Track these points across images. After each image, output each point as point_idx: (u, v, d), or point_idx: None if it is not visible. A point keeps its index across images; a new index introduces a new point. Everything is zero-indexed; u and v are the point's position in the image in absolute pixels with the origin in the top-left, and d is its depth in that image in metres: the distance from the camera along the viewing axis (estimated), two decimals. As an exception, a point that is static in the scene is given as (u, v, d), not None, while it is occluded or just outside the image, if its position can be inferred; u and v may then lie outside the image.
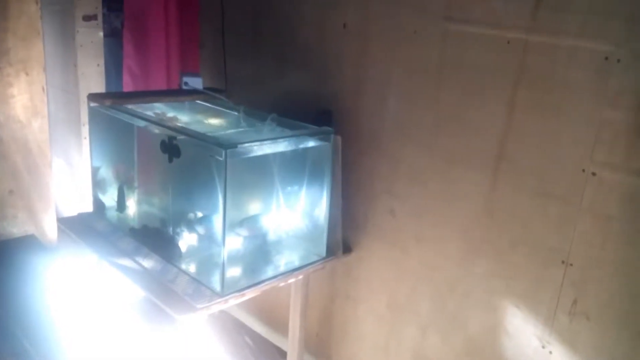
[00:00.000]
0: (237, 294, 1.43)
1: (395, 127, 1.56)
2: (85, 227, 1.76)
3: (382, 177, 1.61)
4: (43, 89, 3.10)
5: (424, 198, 1.52)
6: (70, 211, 2.90)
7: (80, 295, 2.64)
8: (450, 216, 1.46)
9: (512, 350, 1.39)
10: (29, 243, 3.19)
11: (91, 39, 2.78)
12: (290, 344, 1.83)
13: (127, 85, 2.39)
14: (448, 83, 1.42)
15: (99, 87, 2.75)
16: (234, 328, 2.10)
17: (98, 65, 2.78)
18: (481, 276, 1.43)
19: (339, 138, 1.56)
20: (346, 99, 1.67)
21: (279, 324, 2.06)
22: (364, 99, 1.62)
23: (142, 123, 1.61)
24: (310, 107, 1.75)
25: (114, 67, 2.87)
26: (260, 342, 2.02)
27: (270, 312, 2.10)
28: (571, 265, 1.25)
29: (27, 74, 3.04)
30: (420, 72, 1.48)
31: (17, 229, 3.19)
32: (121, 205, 1.74)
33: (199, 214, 1.56)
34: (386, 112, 1.57)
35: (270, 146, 1.49)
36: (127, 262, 1.55)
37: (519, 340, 1.37)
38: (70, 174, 2.96)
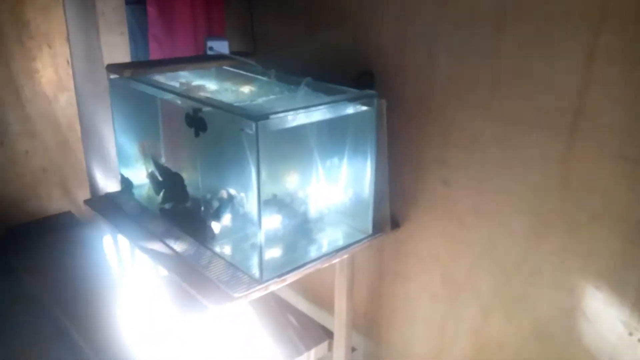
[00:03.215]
0: (277, 279, 1.30)
1: (446, 88, 1.37)
2: (114, 208, 1.65)
3: (432, 144, 1.43)
4: (67, 61, 2.99)
5: (482, 166, 1.34)
6: (106, 187, 2.83)
7: (120, 272, 2.59)
8: (515, 185, 1.28)
9: (591, 337, 1.22)
10: (66, 220, 3.15)
11: (112, 6, 2.63)
12: (337, 326, 1.70)
13: (155, 54, 2.26)
14: (509, 32, 1.21)
15: (124, 56, 2.61)
16: (276, 306, 1.99)
17: (122, 33, 2.63)
18: (553, 252, 1.25)
19: (383, 102, 1.38)
20: (388, 57, 1.48)
21: (325, 302, 1.94)
22: (409, 57, 1.43)
23: (164, 94, 1.46)
24: (349, 69, 1.57)
25: (140, 35, 2.73)
26: (305, 322, 1.90)
27: (314, 289, 1.98)
28: (667, 241, 1.06)
29: (49, 47, 2.93)
30: (474, 21, 1.27)
31: (52, 207, 3.15)
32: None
33: (232, 192, 1.42)
34: (435, 70, 1.38)
35: (307, 115, 1.32)
36: (157, 245, 1.44)
37: (600, 326, 1.20)
38: (100, 150, 2.87)
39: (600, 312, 1.19)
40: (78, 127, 3.05)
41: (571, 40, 1.12)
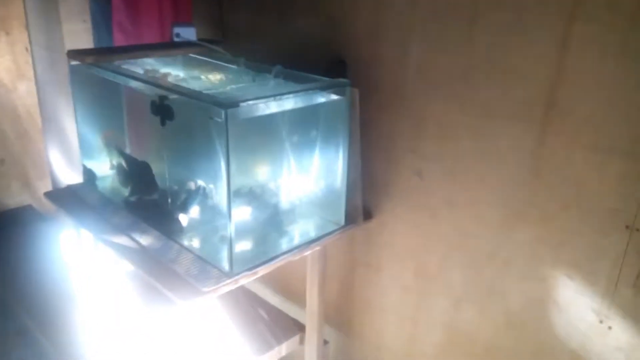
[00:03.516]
0: (248, 272, 1.26)
1: (420, 77, 1.35)
2: (76, 201, 1.58)
3: (406, 135, 1.42)
4: (27, 49, 2.87)
5: (455, 157, 1.33)
6: (69, 179, 2.73)
7: (82, 268, 2.51)
8: (488, 177, 1.28)
9: (563, 325, 1.23)
10: (26, 214, 3.04)
11: (74, -7, 2.53)
12: (309, 319, 1.68)
13: (119, 42, 2.18)
14: (484, 22, 1.20)
15: (87, 45, 2.52)
16: (246, 300, 1.96)
17: (84, 21, 2.54)
18: (525, 243, 1.25)
19: (356, 91, 1.36)
20: (362, 46, 1.46)
21: (295, 294, 1.91)
22: (383, 46, 1.41)
23: (128, 81, 1.40)
24: (321, 57, 1.54)
25: (103, 23, 2.64)
26: (276, 315, 1.87)
27: (285, 281, 1.95)
28: (638, 230, 1.06)
29: (7, 33, 2.80)
30: (449, 10, 1.25)
31: (12, 200, 3.03)
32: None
33: (200, 183, 1.38)
34: (409, 59, 1.36)
35: (278, 103, 1.28)
36: (122, 239, 1.38)
37: (571, 314, 1.21)
38: (62, 140, 2.77)
39: (572, 300, 1.20)
40: (38, 117, 2.94)
41: (544, 30, 1.11)
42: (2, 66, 2.77)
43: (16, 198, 3.00)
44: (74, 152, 2.64)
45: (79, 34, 2.51)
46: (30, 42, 2.79)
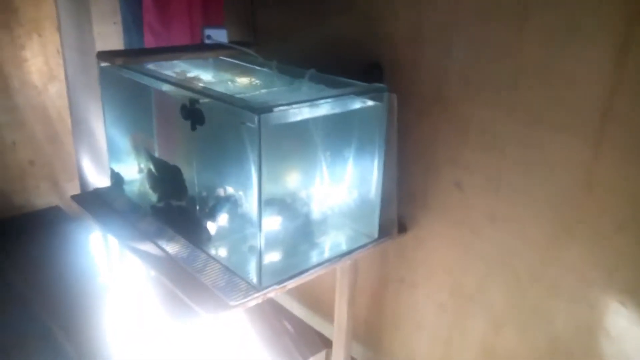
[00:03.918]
0: (276, 286, 1.20)
1: (463, 83, 1.27)
2: (102, 205, 1.54)
3: (446, 144, 1.34)
4: (58, 51, 2.87)
5: (499, 168, 1.24)
6: (97, 182, 2.73)
7: (108, 272, 2.49)
8: (535, 191, 1.19)
9: (613, 356, 1.13)
10: (54, 215, 3.04)
11: (105, -5, 2.52)
12: (336, 335, 1.61)
13: (149, 44, 2.16)
14: (534, 24, 1.12)
15: (117, 47, 2.51)
16: (271, 311, 1.90)
17: (115, 23, 2.53)
18: (574, 264, 1.16)
19: (394, 96, 1.29)
20: (400, 48, 1.39)
21: (323, 308, 1.84)
22: (423, 49, 1.33)
23: (158, 84, 1.36)
24: (356, 60, 1.48)
25: (134, 25, 2.63)
26: (302, 328, 1.81)
27: (312, 294, 1.88)
28: None
29: (39, 35, 2.81)
30: (496, 10, 1.18)
31: (40, 201, 3.03)
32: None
33: (230, 190, 1.32)
34: (452, 63, 1.28)
35: (312, 109, 1.22)
36: (148, 246, 1.34)
37: (623, 345, 1.11)
38: (91, 143, 2.77)
39: (624, 330, 1.11)
40: (68, 119, 2.94)
41: (602, 31, 1.03)
42: (34, 68, 2.78)
43: (44, 199, 3.01)
44: (103, 154, 2.62)
45: (110, 36, 2.51)
46: (61, 43, 2.80)
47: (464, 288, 1.39)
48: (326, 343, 1.72)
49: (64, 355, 2.07)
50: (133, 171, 1.60)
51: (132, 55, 1.53)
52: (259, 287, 1.17)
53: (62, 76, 2.86)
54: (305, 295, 1.91)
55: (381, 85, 1.29)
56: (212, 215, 1.31)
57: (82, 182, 3.01)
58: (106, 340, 2.10)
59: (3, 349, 2.11)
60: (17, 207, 2.92)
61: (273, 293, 1.20)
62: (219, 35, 1.69)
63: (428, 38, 1.32)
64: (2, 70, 2.68)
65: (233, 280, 1.20)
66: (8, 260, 2.69)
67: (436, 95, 1.33)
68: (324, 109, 1.25)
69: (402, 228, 1.47)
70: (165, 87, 1.34)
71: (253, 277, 1.20)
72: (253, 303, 1.16)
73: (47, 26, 2.79)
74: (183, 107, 1.24)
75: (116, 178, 1.62)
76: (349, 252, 1.34)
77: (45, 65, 2.81)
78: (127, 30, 2.58)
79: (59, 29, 2.80)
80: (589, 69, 1.06)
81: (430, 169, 1.39)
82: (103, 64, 1.54)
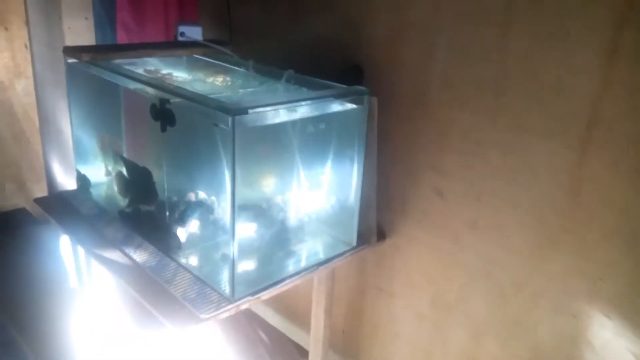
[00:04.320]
0: (250, 297, 1.14)
1: (444, 86, 1.23)
2: (67, 209, 1.46)
3: (427, 149, 1.30)
4: (26, 45, 2.76)
5: (482, 175, 1.21)
6: (66, 183, 2.62)
7: (75, 278, 2.39)
8: (519, 198, 1.16)
9: (598, 368, 1.10)
10: (20, 217, 2.92)
11: (76, -12, 2.43)
12: (313, 345, 1.55)
13: (122, 41, 2.08)
14: (520, 26, 1.09)
15: (89, 43, 2.41)
16: (246, 320, 1.83)
17: (86, 18, 2.44)
18: (558, 274, 1.13)
19: (374, 100, 1.24)
20: (381, 50, 1.34)
21: (299, 316, 1.78)
22: (404, 50, 1.29)
23: (127, 82, 1.29)
24: (335, 62, 1.43)
25: (107, 21, 2.54)
26: (277, 338, 1.75)
27: (288, 302, 1.82)
28: (693, 267, 0.94)
29: (6, 29, 2.69)
30: (480, 12, 1.14)
31: (6, 202, 2.91)
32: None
33: (202, 195, 1.26)
34: (433, 66, 1.24)
35: (289, 111, 1.17)
36: (114, 254, 1.27)
37: (607, 357, 1.08)
38: (60, 142, 2.66)
39: (609, 342, 1.08)
40: (36, 117, 2.83)
41: (589, 36, 1.00)
42: (0, 63, 2.66)
43: (10, 201, 2.89)
44: (72, 155, 2.53)
45: (81, 32, 2.41)
46: (29, 38, 2.69)
47: (444, 297, 1.35)
48: (302, 353, 1.67)
49: (26, 365, 1.98)
50: (100, 174, 1.53)
51: (101, 51, 1.45)
52: (231, 299, 1.11)
53: (29, 72, 2.74)
54: (281, 303, 1.85)
55: (362, 87, 1.24)
56: (182, 222, 1.25)
57: (50, 183, 2.90)
58: (71, 350, 2.01)
59: (-39, 359, 2.00)
60: (-19, 208, 2.80)
61: (247, 304, 1.14)
62: (193, 32, 1.62)
63: (409, 40, 1.28)
64: (-35, 66, 2.56)
65: (204, 291, 1.14)
66: (-30, 265, 2.58)
67: (417, 99, 1.29)
68: (302, 111, 1.19)
69: (381, 235, 1.42)
70: (135, 86, 1.27)
71: (225, 288, 1.13)
72: (225, 315, 1.10)
73: (14, 20, 2.68)
74: (153, 107, 1.17)
75: (83, 180, 1.54)
76: (326, 261, 1.28)
77: (11, 61, 2.70)
78: (99, 26, 2.48)
79: (27, 22, 2.69)
80: (575, 75, 1.03)
81: (410, 175, 1.34)
82: (70, 60, 1.46)
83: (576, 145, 1.05)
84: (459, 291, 1.31)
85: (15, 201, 2.91)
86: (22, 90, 2.77)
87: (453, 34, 1.19)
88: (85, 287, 2.17)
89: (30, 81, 2.76)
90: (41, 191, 2.88)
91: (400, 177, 1.37)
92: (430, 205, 1.32)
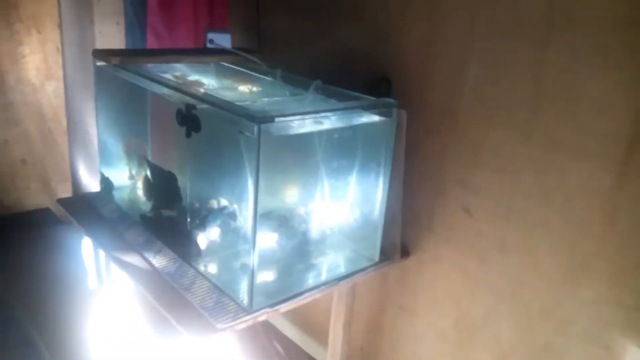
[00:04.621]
0: (268, 309, 1.11)
1: (476, 101, 1.20)
2: (90, 211, 1.46)
3: (456, 165, 1.26)
4: (58, 48, 2.80)
5: (513, 194, 1.17)
6: (90, 185, 2.64)
7: (96, 280, 2.40)
8: (551, 220, 1.11)
9: (630, 403, 1.04)
10: (44, 217, 2.95)
11: (109, -6, 2.45)
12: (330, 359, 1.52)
13: (152, 47, 2.09)
14: (558, 41, 1.05)
15: (119, 47, 2.44)
16: (262, 331, 1.81)
17: (117, 23, 2.46)
18: (590, 302, 1.08)
19: (403, 112, 1.22)
20: (411, 63, 1.31)
21: (317, 330, 1.75)
22: (436, 64, 1.26)
23: (154, 87, 1.29)
24: (364, 73, 1.41)
25: (138, 26, 2.57)
26: (293, 351, 1.72)
27: (306, 315, 1.79)
28: None
29: (39, 32, 2.73)
30: (516, 25, 1.11)
31: (30, 202, 2.94)
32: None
33: (224, 203, 1.24)
34: (465, 80, 1.21)
35: (316, 121, 1.15)
36: (134, 258, 1.25)
37: (642, 391, 1.03)
38: (86, 145, 2.69)
39: (644, 375, 1.02)
40: (64, 119, 2.86)
41: (631, 54, 0.95)
42: (32, 65, 2.71)
43: (35, 200, 2.92)
44: (97, 157, 2.54)
45: (112, 36, 2.44)
46: (62, 41, 2.73)
47: (468, 319, 1.31)
48: (318, 368, 1.64)
49: (42, 365, 1.98)
50: (124, 177, 1.53)
51: (130, 55, 1.45)
52: (249, 309, 1.09)
53: (60, 75, 2.78)
54: (299, 316, 1.82)
55: (391, 100, 1.22)
56: (203, 227, 1.23)
57: (75, 184, 2.92)
58: (87, 352, 2.00)
59: (-21, 356, 2.01)
60: (5, 207, 2.83)
61: (264, 316, 1.11)
62: (222, 39, 1.62)
63: (441, 52, 1.25)
64: (-2, 67, 2.60)
65: (222, 300, 1.12)
66: (-7, 262, 2.60)
67: (447, 113, 1.25)
68: (329, 122, 1.17)
69: (405, 252, 1.39)
70: (162, 90, 1.26)
71: (244, 298, 1.11)
72: (242, 327, 1.08)
73: (47, 23, 2.72)
74: (179, 113, 1.16)
75: (106, 183, 1.54)
76: (347, 276, 1.25)
77: (43, 63, 2.74)
78: (130, 31, 2.51)
79: (59, 26, 2.73)
80: (616, 94, 0.98)
81: (438, 191, 1.31)
82: (99, 63, 1.46)
83: (613, 168, 1.00)
84: (485, 313, 1.27)
85: (39, 201, 2.93)
86: (52, 92, 2.80)
87: (487, 47, 1.16)
88: (105, 290, 2.17)
89: (61, 83, 2.80)
90: (66, 192, 2.91)
91: (427, 192, 1.33)
92: (458, 222, 1.28)
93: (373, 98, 1.23)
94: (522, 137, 1.13)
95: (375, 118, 1.23)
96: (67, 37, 2.72)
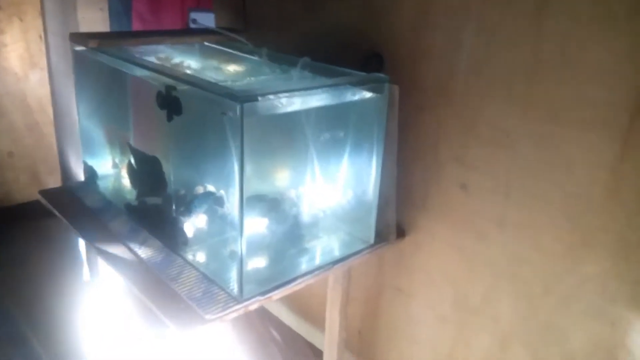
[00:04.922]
0: (260, 297, 1.07)
1: (472, 73, 1.14)
2: (74, 202, 1.41)
3: (451, 140, 1.21)
4: (40, 36, 2.72)
5: (511, 169, 1.12)
6: (80, 175, 2.58)
7: (89, 274, 2.35)
8: (552, 194, 1.06)
9: (637, 380, 1.01)
10: (33, 210, 2.88)
11: (91, -22, 2.38)
12: (327, 345, 1.48)
13: (135, 31, 2.03)
14: (556, 6, 0.99)
15: (102, 33, 2.36)
16: (258, 318, 1.77)
17: (101, 9, 2.39)
18: (593, 277, 1.04)
19: (396, 88, 1.16)
20: (403, 36, 1.26)
21: (313, 315, 1.71)
22: (429, 36, 1.21)
23: (134, 69, 1.23)
24: (355, 51, 1.35)
25: (123, 11, 2.49)
26: (290, 337, 1.69)
27: (302, 300, 1.75)
28: None
29: (20, 19, 2.65)
30: (512, -7, 1.05)
31: (20, 195, 2.89)
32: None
33: (209, 188, 1.19)
34: (461, 52, 1.15)
35: (302, 99, 1.09)
36: (118, 249, 1.21)
37: (649, 368, 0.99)
38: (74, 134, 2.63)
39: (651, 351, 0.98)
40: (50, 109, 2.80)
41: (635, 18, 0.90)
42: (15, 54, 2.63)
43: (24, 192, 2.86)
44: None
45: (95, 22, 2.36)
46: (44, 29, 2.65)
47: (467, 299, 1.27)
48: (316, 353, 1.60)
49: (35, 361, 1.94)
50: (108, 166, 1.47)
51: (109, 38, 1.39)
52: (239, 298, 1.05)
53: (44, 63, 2.71)
54: (295, 302, 1.78)
55: (382, 75, 1.16)
56: (189, 214, 1.18)
57: (64, 175, 2.87)
58: (81, 347, 1.97)
59: (-30, 353, 1.97)
60: (-5, 200, 2.78)
61: (256, 305, 1.07)
62: (206, 19, 1.56)
63: (435, 25, 1.19)
64: (-21, 56, 2.53)
65: (211, 289, 1.07)
66: (-17, 257, 2.55)
67: (441, 87, 1.20)
68: (317, 99, 1.12)
69: (401, 232, 1.34)
70: (140, 72, 1.20)
71: (233, 287, 1.07)
72: (232, 316, 1.03)
73: (29, 10, 2.64)
74: (159, 95, 1.11)
75: (90, 172, 1.49)
76: (342, 259, 1.21)
77: (26, 52, 2.66)
78: (115, 17, 2.44)
79: (42, 13, 2.65)
80: (618, 60, 0.93)
81: (433, 168, 1.26)
82: (77, 48, 1.40)
83: (617, 138, 0.95)
84: (484, 293, 1.23)
85: (29, 193, 2.87)
86: (37, 81, 2.73)
87: (482, 16, 1.10)
88: (98, 282, 2.13)
89: (45, 72, 2.72)
90: (55, 183, 2.85)
91: (422, 170, 1.28)
92: (454, 200, 1.23)
93: (363, 74, 1.18)
94: (520, 109, 1.08)
95: (367, 95, 1.18)
96: (50, 24, 2.65)
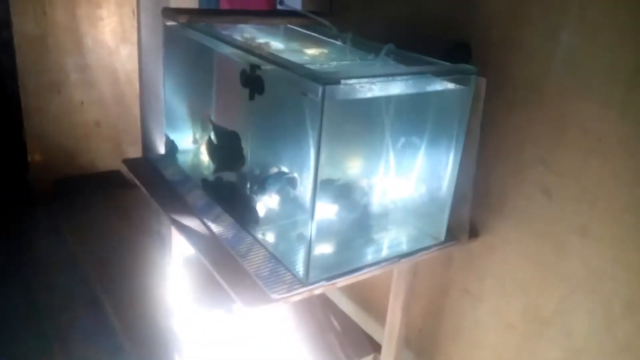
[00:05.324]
0: (325, 282, 1.07)
1: (568, 72, 1.08)
2: (153, 173, 1.46)
3: (537, 141, 1.15)
4: (133, 12, 2.84)
5: (601, 176, 1.05)
6: (160, 148, 2.69)
7: (164, 244, 2.45)
8: (644, 207, 0.99)
9: None
10: (115, 179, 3.04)
11: (185, -43, 2.44)
12: (387, 340, 1.46)
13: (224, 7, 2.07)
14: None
15: (191, 11, 2.42)
16: (318, 303, 1.77)
17: (192, -13, 2.46)
18: (684, 301, 0.96)
19: (483, 81, 1.11)
20: (494, 28, 1.20)
21: (375, 308, 1.70)
22: (523, 30, 1.15)
23: (221, 46, 1.25)
24: (441, 39, 1.30)
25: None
26: (349, 328, 1.68)
27: (364, 291, 1.74)
28: None
29: (116, -6, 2.79)
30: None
31: (102, 163, 3.05)
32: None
33: (284, 170, 1.20)
34: (556, 49, 1.09)
35: (385, 86, 1.07)
36: (192, 222, 1.24)
37: None
38: (158, 108, 2.73)
39: None
40: (137, 82, 2.92)
41: None
42: (108, 28, 2.76)
43: (106, 161, 3.01)
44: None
45: (185, 0, 2.44)
46: (138, 5, 2.76)
47: (538, 309, 1.21)
48: (375, 347, 1.59)
49: (109, 326, 2.04)
50: (188, 141, 1.51)
51: (198, 14, 1.42)
52: (305, 282, 1.05)
53: (134, 39, 2.83)
54: (357, 292, 1.77)
55: (469, 66, 1.12)
56: (262, 192, 1.19)
57: (145, 147, 2.99)
58: (149, 313, 2.05)
59: (48, 311, 2.10)
60: (81, 167, 2.94)
61: (320, 289, 1.07)
62: (293, 1, 1.56)
63: (530, 18, 1.13)
64: (78, 29, 2.67)
65: (277, 270, 1.08)
66: (66, 221, 2.71)
67: (533, 84, 1.14)
68: (399, 87, 1.09)
69: (473, 233, 1.30)
70: (228, 50, 1.22)
71: (300, 270, 1.07)
72: (297, 299, 1.04)
73: (125, -14, 2.76)
74: (243, 73, 1.12)
75: (170, 146, 1.54)
76: (410, 254, 1.18)
77: (119, 26, 2.79)
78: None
79: (136, -11, 2.77)
80: None
81: (515, 170, 1.20)
82: (168, 22, 1.44)
83: None
84: (557, 304, 1.16)
85: (110, 162, 3.02)
86: (127, 55, 2.86)
87: (584, 14, 1.03)
88: (172, 254, 2.21)
89: (135, 47, 2.84)
90: (136, 154, 2.98)
91: (503, 170, 1.23)
92: (535, 205, 1.17)
93: (448, 64, 1.14)
94: (615, 113, 1.01)
95: (450, 86, 1.14)
96: (143, 1, 2.75)
